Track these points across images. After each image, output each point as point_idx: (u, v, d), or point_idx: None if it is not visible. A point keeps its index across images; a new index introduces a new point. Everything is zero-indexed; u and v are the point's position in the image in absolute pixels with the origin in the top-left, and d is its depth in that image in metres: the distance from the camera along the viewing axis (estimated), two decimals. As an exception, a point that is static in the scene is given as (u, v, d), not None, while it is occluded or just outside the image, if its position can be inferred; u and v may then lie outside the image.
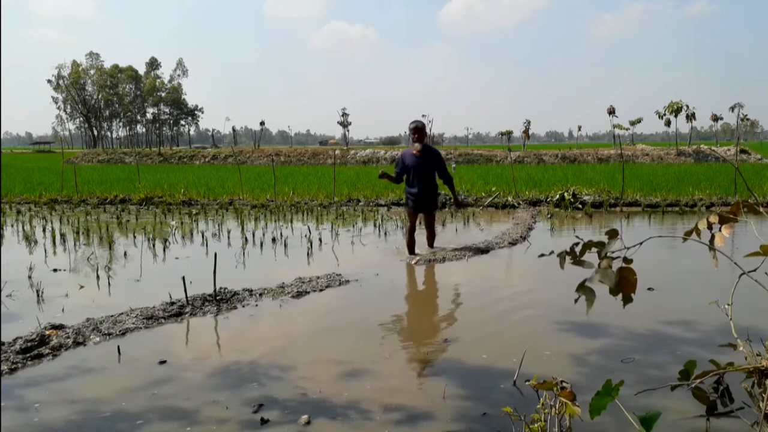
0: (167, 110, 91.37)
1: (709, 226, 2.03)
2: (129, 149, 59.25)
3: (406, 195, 7.01)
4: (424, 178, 6.80)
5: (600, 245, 1.99)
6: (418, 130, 6.82)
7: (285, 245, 7.42)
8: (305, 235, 7.78)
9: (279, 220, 10.12)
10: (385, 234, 8.31)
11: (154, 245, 7.46)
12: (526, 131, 45.04)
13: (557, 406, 2.13)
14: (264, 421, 2.64)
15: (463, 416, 2.72)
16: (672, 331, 3.92)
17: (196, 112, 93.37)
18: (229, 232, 8.39)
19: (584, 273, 2.01)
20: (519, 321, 4.27)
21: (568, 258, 2.07)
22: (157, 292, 4.85)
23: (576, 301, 2.07)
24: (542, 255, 2.25)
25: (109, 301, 4.88)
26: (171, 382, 3.13)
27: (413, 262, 6.28)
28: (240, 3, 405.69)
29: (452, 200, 7.20)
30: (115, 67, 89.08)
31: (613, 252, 1.99)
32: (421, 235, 7.16)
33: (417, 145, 6.78)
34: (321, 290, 5.08)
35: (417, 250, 6.80)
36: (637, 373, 3.16)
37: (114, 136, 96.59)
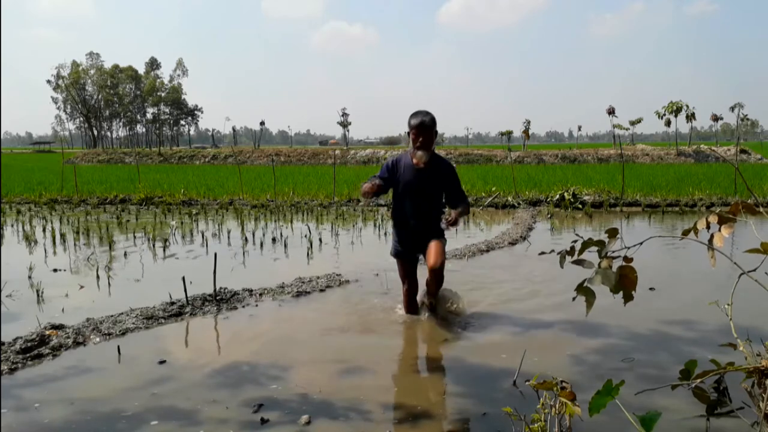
0: (167, 110, 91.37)
1: (708, 226, 2.03)
2: (129, 149, 59.26)
3: (394, 231, 4.34)
4: (425, 205, 4.17)
5: (600, 244, 1.99)
6: (424, 129, 4.00)
7: (285, 245, 7.42)
8: (305, 235, 7.78)
9: (279, 220, 10.12)
10: (385, 234, 8.31)
11: (154, 245, 7.46)
12: (526, 131, 45.01)
13: (557, 406, 2.13)
14: (264, 421, 2.64)
15: (464, 416, 2.72)
16: (672, 331, 3.92)
17: (196, 112, 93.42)
18: (229, 232, 8.39)
19: (584, 272, 2.01)
20: (518, 320, 4.27)
21: (568, 257, 2.07)
22: (157, 292, 4.85)
23: (574, 299, 2.07)
24: (542, 253, 2.26)
25: (109, 301, 4.88)
26: (171, 381, 3.13)
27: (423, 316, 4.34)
28: (240, 3, 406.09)
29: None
30: (115, 67, 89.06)
31: (613, 252, 1.99)
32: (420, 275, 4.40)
33: (421, 154, 4.01)
34: (321, 290, 5.08)
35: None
36: (637, 373, 3.16)
37: (114, 136, 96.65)
